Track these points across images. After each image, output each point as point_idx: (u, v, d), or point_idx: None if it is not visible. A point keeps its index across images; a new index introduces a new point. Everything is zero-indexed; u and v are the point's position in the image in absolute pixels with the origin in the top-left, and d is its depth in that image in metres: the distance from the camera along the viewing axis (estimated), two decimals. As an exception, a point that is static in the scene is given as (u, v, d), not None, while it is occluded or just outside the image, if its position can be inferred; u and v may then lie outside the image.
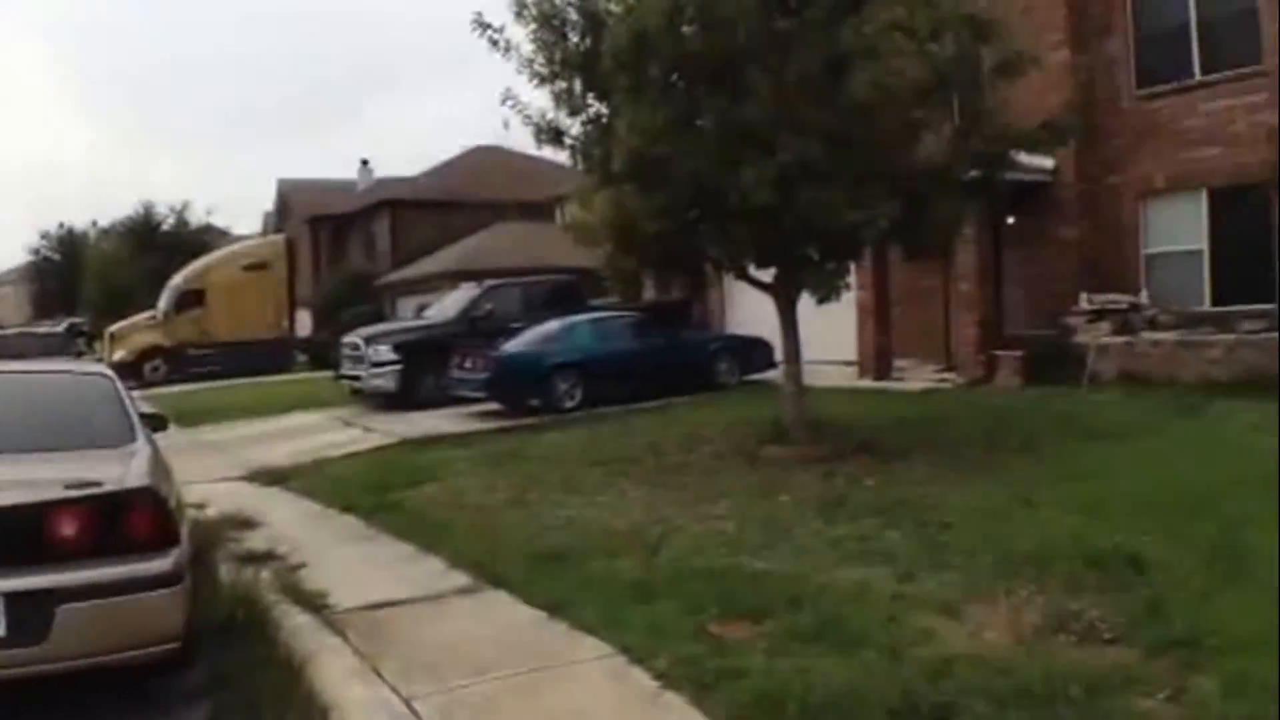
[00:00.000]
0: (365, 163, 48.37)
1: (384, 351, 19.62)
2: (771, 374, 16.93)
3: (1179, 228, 17.55)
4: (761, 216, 10.61)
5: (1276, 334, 14.33)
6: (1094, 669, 5.11)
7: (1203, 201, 17.16)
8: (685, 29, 10.50)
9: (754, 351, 19.26)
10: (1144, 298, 17.26)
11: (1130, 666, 5.17)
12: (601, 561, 7.73)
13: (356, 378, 20.00)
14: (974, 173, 12.08)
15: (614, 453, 12.72)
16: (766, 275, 12.31)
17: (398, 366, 19.36)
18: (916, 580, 6.80)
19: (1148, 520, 7.73)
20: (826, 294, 11.55)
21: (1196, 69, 17.22)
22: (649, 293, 24.31)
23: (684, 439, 13.40)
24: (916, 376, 18.71)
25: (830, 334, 17.90)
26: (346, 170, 50.16)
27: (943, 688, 4.97)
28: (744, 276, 12.54)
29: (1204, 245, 17.15)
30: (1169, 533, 7.35)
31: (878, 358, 19.24)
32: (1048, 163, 17.73)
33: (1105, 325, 16.72)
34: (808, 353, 12.82)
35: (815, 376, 14.39)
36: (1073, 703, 4.72)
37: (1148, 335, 16.30)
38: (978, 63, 11.62)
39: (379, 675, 5.75)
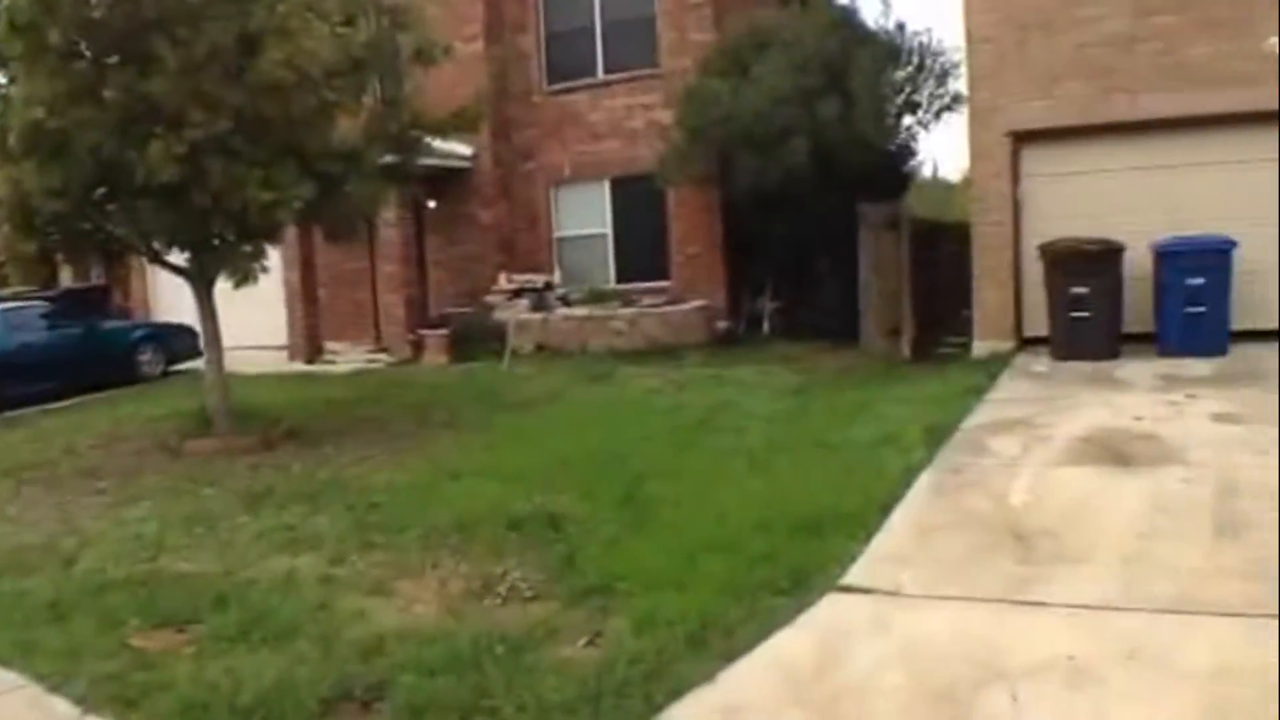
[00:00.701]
0: None
1: None
2: (199, 363, 16.21)
3: (586, 212, 19.01)
4: (170, 195, 10.09)
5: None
6: (518, 626, 5.34)
7: (605, 189, 18.72)
8: (90, -7, 9.74)
9: (178, 340, 18.19)
10: (557, 277, 18.56)
11: (551, 619, 5.45)
12: (10, 582, 6.86)
13: None
14: (390, 157, 12.24)
15: (23, 459, 11.44)
16: (183, 258, 11.73)
17: None
18: (346, 563, 6.76)
19: (564, 480, 8.24)
20: (243, 277, 11.15)
21: (600, 69, 18.69)
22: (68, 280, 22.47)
23: (102, 438, 12.42)
24: (349, 358, 18.68)
25: (260, 318, 17.47)
26: None
27: (375, 666, 4.99)
28: (157, 260, 11.87)
29: (607, 229, 18.74)
30: (582, 490, 7.88)
31: (309, 341, 19.01)
32: (467, 149, 18.42)
33: (523, 303, 17.77)
34: (238, 338, 12.44)
35: (246, 363, 14.00)
36: (499, 661, 4.90)
37: (563, 311, 17.53)
38: (394, 49, 11.75)
39: None
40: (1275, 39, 12.28)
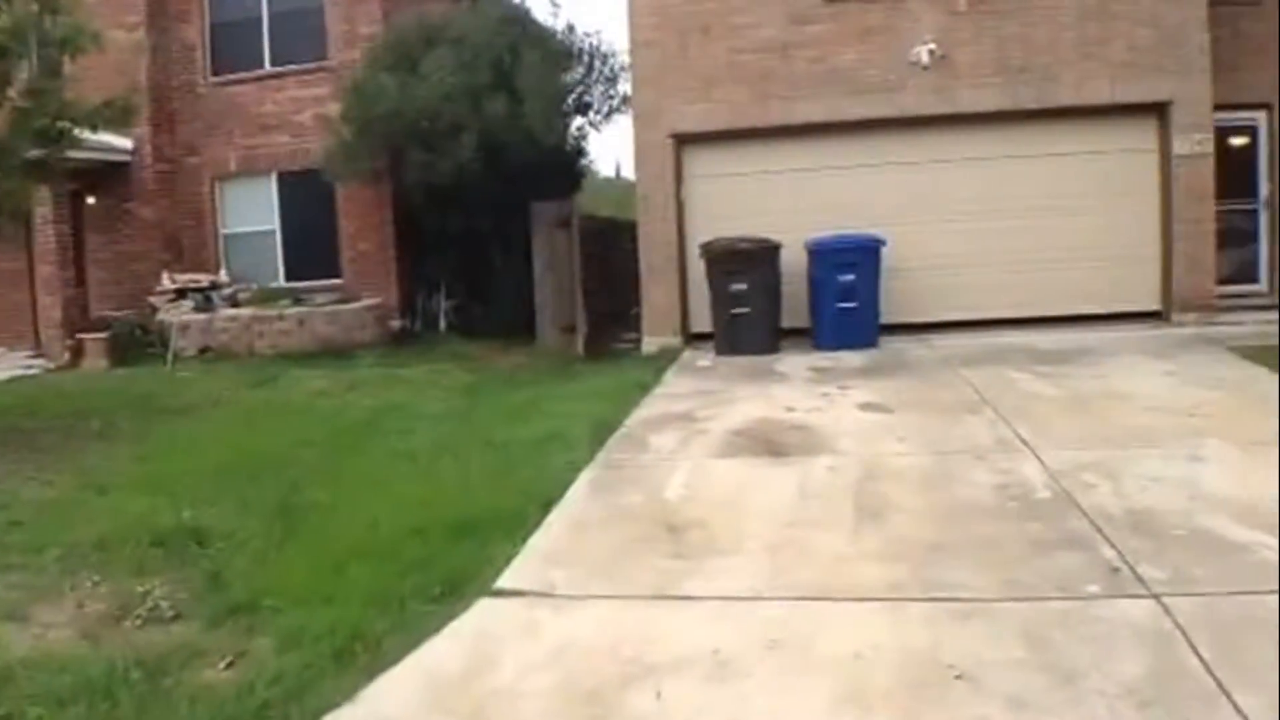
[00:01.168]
0: None
1: None
2: None
3: (253, 208, 18.50)
4: None
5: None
6: (157, 649, 5.11)
7: (273, 184, 18.24)
8: None
9: None
10: (224, 276, 17.96)
11: (193, 640, 5.24)
12: None
13: None
14: (37, 151, 11.47)
15: None
16: None
17: None
18: (-25, 589, 6.31)
19: (217, 491, 7.94)
20: None
21: (267, 60, 18.19)
22: None
23: None
24: (5, 364, 17.42)
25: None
26: None
27: (2, 698, 4.67)
28: None
29: (276, 225, 18.26)
30: (236, 501, 7.62)
31: (-35, 348, 17.65)
32: (127, 143, 17.54)
33: (187, 303, 17.12)
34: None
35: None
36: (133, 687, 4.68)
37: (227, 312, 16.95)
38: (43, 36, 11.03)
39: None
40: (920, 48, 13.23)
